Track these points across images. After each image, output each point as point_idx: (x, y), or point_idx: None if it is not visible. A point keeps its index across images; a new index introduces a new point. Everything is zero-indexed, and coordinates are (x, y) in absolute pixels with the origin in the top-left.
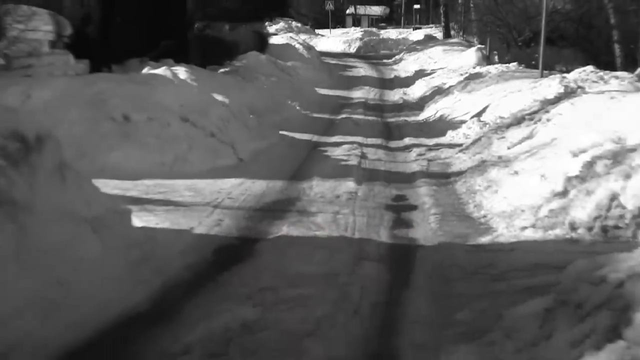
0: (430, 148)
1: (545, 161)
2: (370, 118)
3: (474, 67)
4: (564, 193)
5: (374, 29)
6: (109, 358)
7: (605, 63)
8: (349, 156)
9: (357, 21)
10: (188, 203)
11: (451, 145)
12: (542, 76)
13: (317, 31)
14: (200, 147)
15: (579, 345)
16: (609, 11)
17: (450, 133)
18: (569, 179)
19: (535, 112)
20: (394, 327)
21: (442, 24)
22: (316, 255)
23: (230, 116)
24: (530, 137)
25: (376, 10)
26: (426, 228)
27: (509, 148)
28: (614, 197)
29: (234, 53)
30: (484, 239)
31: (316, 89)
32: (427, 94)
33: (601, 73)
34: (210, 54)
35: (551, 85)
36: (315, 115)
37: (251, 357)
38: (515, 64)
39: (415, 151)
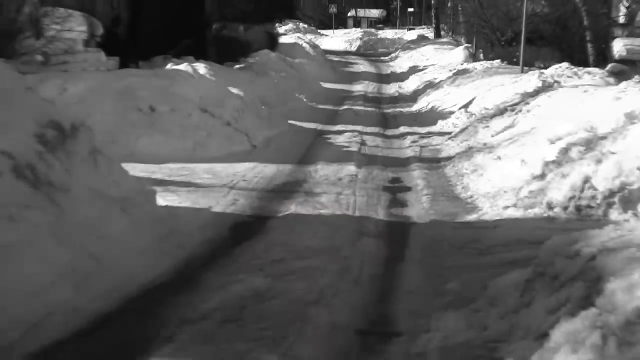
0: (423, 136)
1: (526, 148)
2: (369, 109)
3: (461, 64)
4: (542, 176)
5: (373, 30)
6: (135, 325)
7: (579, 61)
8: (350, 143)
9: (357, 23)
10: (207, 185)
11: (441, 134)
12: (522, 72)
13: (321, 32)
14: (218, 135)
15: (556, 312)
16: (583, 14)
17: (440, 123)
18: (546, 164)
19: (517, 104)
20: (390, 296)
21: (434, 25)
22: (321, 232)
23: (245, 107)
24: (512, 126)
25: (374, 13)
26: (419, 207)
27: (493, 136)
28: (587, 180)
29: (248, 51)
30: (471, 217)
31: (321, 83)
32: (420, 87)
33: (576, 69)
34: (226, 52)
35: (531, 80)
36: (320, 106)
37: (263, 323)
38: (498, 61)
39: (409, 139)
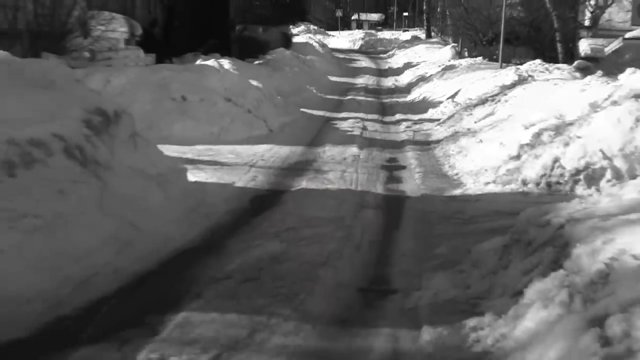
0: (415, 122)
1: (504, 132)
2: (369, 99)
3: (449, 61)
4: (517, 157)
5: (373, 31)
6: (168, 283)
7: (550, 58)
8: (353, 128)
9: (359, 25)
10: (230, 163)
11: (431, 120)
12: (501, 67)
13: (329, 32)
14: (240, 120)
15: (529, 273)
16: (553, 18)
17: (430, 111)
18: (521, 146)
19: (496, 95)
20: (387, 259)
21: (425, 27)
22: (328, 203)
23: (263, 97)
24: (492, 114)
25: (374, 16)
26: (412, 183)
27: (475, 122)
28: (556, 160)
29: (266, 49)
30: (456, 192)
31: (328, 76)
32: (413, 81)
33: (547, 65)
34: (247, 49)
35: (508, 74)
36: (328, 96)
37: (278, 282)
38: (480, 58)
39: (404, 124)
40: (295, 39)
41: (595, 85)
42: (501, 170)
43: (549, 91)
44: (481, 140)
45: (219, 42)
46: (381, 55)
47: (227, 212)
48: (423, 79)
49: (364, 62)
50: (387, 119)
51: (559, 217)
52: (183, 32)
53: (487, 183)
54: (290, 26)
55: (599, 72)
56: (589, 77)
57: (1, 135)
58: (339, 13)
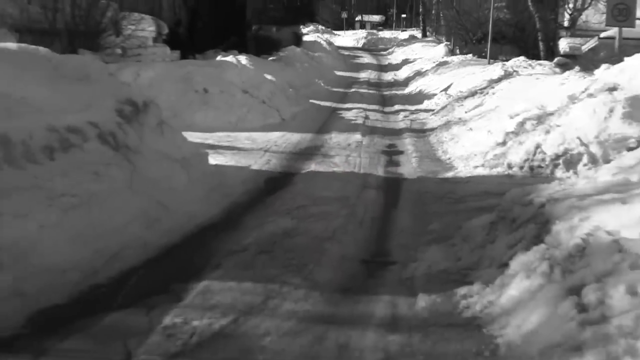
0: (412, 112)
1: (491, 121)
2: (371, 91)
3: (442, 57)
4: (503, 143)
5: (374, 31)
6: (191, 255)
7: (533, 55)
8: (357, 117)
9: (362, 25)
10: (247, 148)
11: (426, 110)
12: (489, 63)
13: (335, 32)
14: (256, 110)
15: (514, 247)
16: (536, 19)
17: (426, 102)
18: (507, 134)
19: (484, 88)
20: (386, 234)
21: (421, 27)
22: (334, 184)
23: (276, 89)
24: (480, 105)
25: (376, 17)
26: (409, 166)
27: (466, 112)
28: (538, 146)
29: (279, 47)
30: (449, 174)
31: (335, 71)
32: (410, 75)
33: (530, 62)
34: (262, 47)
35: (495, 69)
36: (334, 89)
37: (289, 254)
38: (470, 55)
39: (402, 114)
40: (305, 38)
41: (573, 80)
42: (489, 155)
43: (532, 85)
44: (471, 129)
45: (237, 40)
46: (382, 53)
47: (244, 192)
48: (419, 74)
49: (366, 58)
50: (387, 109)
51: (540, 197)
52: (205, 31)
53: (476, 167)
54: (301, 26)
55: (577, 68)
56: (567, 72)
57: (42, 122)
58: (344, 14)
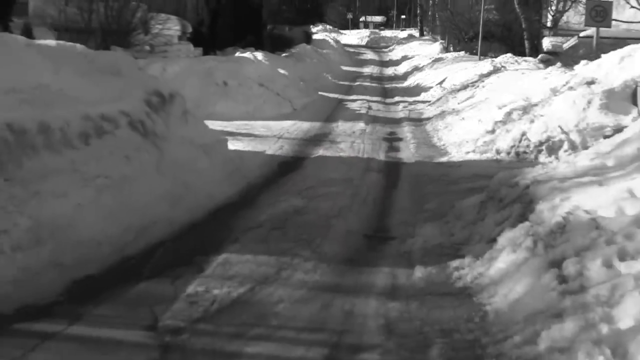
0: (411, 103)
1: (481, 111)
2: (373, 84)
3: (437, 54)
4: (492, 131)
5: (377, 30)
6: (212, 230)
7: (519, 52)
8: (361, 107)
9: (366, 25)
10: (262, 135)
11: (423, 102)
12: (479, 59)
13: (341, 31)
14: (270, 101)
15: (501, 224)
16: (522, 20)
17: (423, 94)
18: (495, 123)
19: (475, 82)
20: (387, 212)
21: (419, 27)
22: (340, 168)
23: (289, 82)
24: (472, 97)
25: (378, 18)
26: (407, 152)
27: (458, 103)
28: (523, 134)
29: (291, 44)
30: (443, 159)
31: (341, 66)
32: (409, 70)
33: (516, 58)
34: (276, 44)
35: (485, 65)
36: (340, 82)
37: (300, 230)
38: (463, 52)
39: (401, 105)
40: (315, 36)
41: (555, 74)
42: (479, 142)
43: (518, 79)
44: (463, 118)
45: (254, 38)
46: (383, 50)
47: (259, 175)
48: (417, 69)
49: (369, 55)
50: (388, 100)
51: (525, 180)
52: (225, 30)
53: (468, 152)
54: (311, 26)
55: (559, 64)
56: (550, 68)
57: (78, 111)
58: (349, 15)
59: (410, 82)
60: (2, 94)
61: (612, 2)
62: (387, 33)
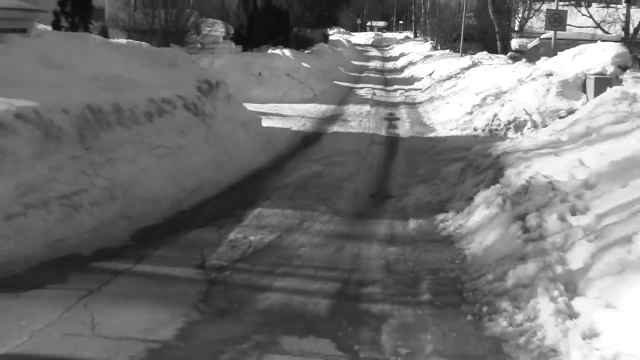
0: (406, 90)
1: (462, 97)
2: (377, 76)
3: (428, 52)
4: (471, 113)
5: (380, 33)
6: (249, 188)
7: (493, 50)
8: (367, 94)
9: (371, 28)
10: (289, 115)
11: (416, 89)
12: (461, 56)
13: (352, 33)
14: (295, 88)
15: (477, 186)
16: (495, 25)
17: (416, 83)
18: (473, 106)
19: (457, 74)
20: (387, 176)
21: (413, 30)
22: (350, 141)
23: (310, 73)
24: (455, 85)
25: (380, 23)
26: (403, 129)
27: (444, 91)
28: (495, 115)
29: (312, 43)
30: (431, 134)
31: (352, 61)
32: (405, 64)
33: (490, 55)
34: (300, 43)
35: (465, 60)
36: (351, 74)
37: (318, 190)
38: (448, 50)
39: (399, 92)
40: (331, 37)
41: (521, 68)
42: (460, 121)
43: (492, 71)
44: (448, 102)
45: (282, 38)
46: (385, 48)
47: (286, 146)
48: (411, 63)
49: (374, 52)
50: (389, 88)
51: (496, 151)
52: (259, 32)
53: (451, 129)
54: (327, 29)
55: (524, 60)
56: (517, 63)
57: (144, 95)
58: (358, 20)
59: (406, 73)
60: (84, 82)
61: (567, 11)
62: (388, 35)
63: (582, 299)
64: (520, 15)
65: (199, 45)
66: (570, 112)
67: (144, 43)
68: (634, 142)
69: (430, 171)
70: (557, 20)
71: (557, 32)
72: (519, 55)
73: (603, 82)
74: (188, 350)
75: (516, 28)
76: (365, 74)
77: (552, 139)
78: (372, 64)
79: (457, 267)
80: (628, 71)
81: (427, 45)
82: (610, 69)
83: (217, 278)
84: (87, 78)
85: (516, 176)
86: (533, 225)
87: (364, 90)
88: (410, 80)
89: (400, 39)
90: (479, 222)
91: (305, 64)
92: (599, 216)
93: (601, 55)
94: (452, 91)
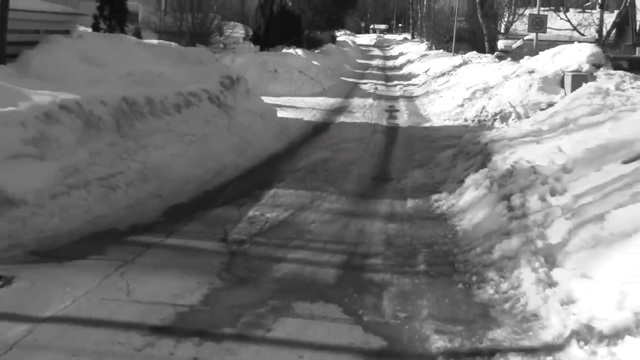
0: (405, 85)
1: (454, 91)
2: (379, 72)
3: (424, 51)
4: (462, 105)
5: (382, 34)
6: (266, 171)
7: (481, 50)
8: (370, 88)
9: (374, 31)
10: (301, 107)
11: (414, 84)
12: (453, 55)
13: (357, 35)
14: (307, 83)
15: (467, 170)
16: (484, 27)
17: (413, 79)
18: (464, 99)
19: (450, 71)
20: (388, 161)
21: (411, 32)
22: (355, 130)
23: (320, 70)
24: (447, 81)
25: (382, 26)
26: (402, 119)
27: (439, 86)
28: (483, 107)
29: (321, 44)
30: (427, 124)
31: (356, 60)
32: (404, 62)
33: (479, 55)
34: (311, 44)
35: (457, 59)
36: (356, 71)
37: (326, 173)
38: (442, 50)
39: (398, 87)
40: (338, 38)
41: (506, 66)
42: (452, 113)
43: (480, 69)
44: (442, 96)
45: (295, 39)
46: (386, 48)
47: (299, 135)
48: (409, 61)
49: (376, 52)
50: (389, 83)
51: (485, 139)
52: (275, 33)
53: (445, 120)
54: (335, 31)
55: (509, 59)
56: (503, 61)
57: (173, 89)
58: (362, 23)
59: (405, 71)
60: (120, 77)
61: (547, 15)
62: (388, 36)
63: (561, 270)
64: (505, 19)
65: (221, 45)
66: (550, 105)
67: (173, 43)
68: (606, 132)
69: (425, 157)
70: (538, 23)
71: (539, 34)
72: (505, 54)
73: (579, 79)
74: (212, 314)
75: (502, 30)
76: (368, 71)
77: (534, 129)
78: (375, 62)
79: (449, 241)
80: (601, 69)
81: (423, 46)
82: (586, 67)
83: (238, 250)
84: (123, 74)
85: (502, 161)
86: (517, 204)
87: (368, 85)
88: (409, 77)
89: (400, 40)
90: (469, 202)
91: (315, 62)
92: (576, 197)
93: (578, 55)
94: (445, 86)
